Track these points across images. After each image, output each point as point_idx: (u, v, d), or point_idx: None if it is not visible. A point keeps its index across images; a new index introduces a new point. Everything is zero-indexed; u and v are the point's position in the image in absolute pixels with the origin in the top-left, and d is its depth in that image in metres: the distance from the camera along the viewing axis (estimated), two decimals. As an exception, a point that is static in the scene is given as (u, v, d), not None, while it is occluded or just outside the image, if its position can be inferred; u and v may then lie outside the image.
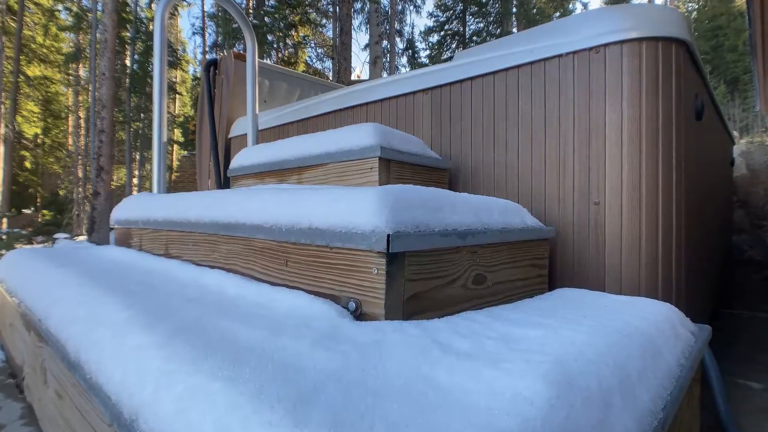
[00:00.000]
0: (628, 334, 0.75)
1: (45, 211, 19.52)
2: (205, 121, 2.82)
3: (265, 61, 3.36)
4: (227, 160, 2.74)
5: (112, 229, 1.89)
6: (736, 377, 1.62)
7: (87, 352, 0.77)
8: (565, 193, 1.33)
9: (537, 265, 1.20)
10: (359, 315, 0.80)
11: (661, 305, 0.99)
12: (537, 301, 1.02)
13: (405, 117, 1.79)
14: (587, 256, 1.27)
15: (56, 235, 11.74)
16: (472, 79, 1.56)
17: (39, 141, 21.02)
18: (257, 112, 2.23)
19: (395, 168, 1.36)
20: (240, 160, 1.85)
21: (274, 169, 1.65)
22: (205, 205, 1.25)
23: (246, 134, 2.34)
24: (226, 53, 2.82)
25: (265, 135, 2.54)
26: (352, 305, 0.81)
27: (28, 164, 22.03)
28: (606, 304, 0.98)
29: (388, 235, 0.73)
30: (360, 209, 0.80)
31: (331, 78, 13.04)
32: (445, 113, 1.65)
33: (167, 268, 1.26)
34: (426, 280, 0.83)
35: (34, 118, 19.69)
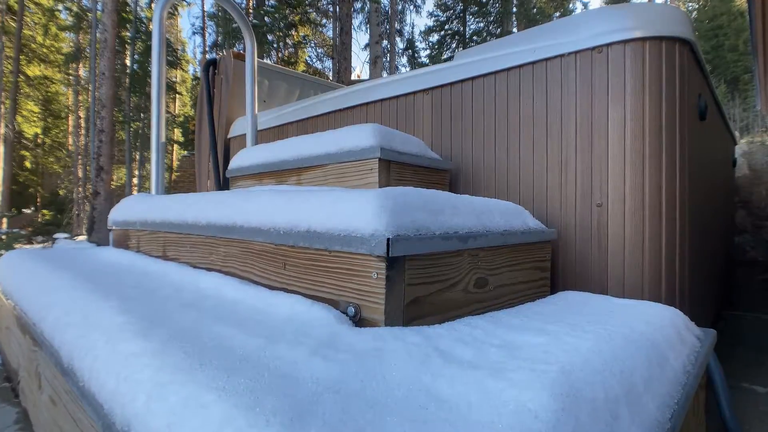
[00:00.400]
0: (634, 340, 0.73)
1: (45, 211, 19.49)
2: (205, 121, 2.80)
3: (265, 60, 3.34)
4: (226, 160, 2.72)
5: (110, 230, 1.88)
6: (741, 381, 1.60)
7: (80, 358, 0.75)
8: (567, 194, 1.31)
9: (539, 267, 1.18)
10: (358, 320, 0.78)
11: (666, 309, 0.97)
12: (540, 306, 1.00)
13: (405, 117, 1.77)
14: (590, 258, 1.26)
15: (56, 235, 11.72)
16: (472, 79, 1.54)
17: (39, 141, 21.02)
18: (256, 112, 2.21)
19: (395, 169, 1.34)
20: (239, 160, 1.83)
21: (273, 169, 1.64)
22: (202, 207, 1.24)
23: (245, 134, 2.32)
24: (225, 53, 2.80)
25: (264, 135, 2.53)
26: (351, 310, 0.79)
27: (28, 164, 22.02)
28: (610, 308, 0.96)
29: (388, 239, 0.71)
30: (359, 212, 0.78)
31: (331, 78, 13.01)
32: (445, 113, 1.63)
33: (164, 271, 1.25)
34: (426, 285, 0.82)
35: (34, 118, 19.68)
